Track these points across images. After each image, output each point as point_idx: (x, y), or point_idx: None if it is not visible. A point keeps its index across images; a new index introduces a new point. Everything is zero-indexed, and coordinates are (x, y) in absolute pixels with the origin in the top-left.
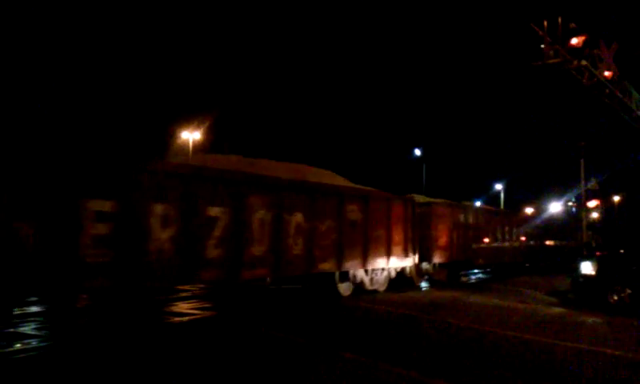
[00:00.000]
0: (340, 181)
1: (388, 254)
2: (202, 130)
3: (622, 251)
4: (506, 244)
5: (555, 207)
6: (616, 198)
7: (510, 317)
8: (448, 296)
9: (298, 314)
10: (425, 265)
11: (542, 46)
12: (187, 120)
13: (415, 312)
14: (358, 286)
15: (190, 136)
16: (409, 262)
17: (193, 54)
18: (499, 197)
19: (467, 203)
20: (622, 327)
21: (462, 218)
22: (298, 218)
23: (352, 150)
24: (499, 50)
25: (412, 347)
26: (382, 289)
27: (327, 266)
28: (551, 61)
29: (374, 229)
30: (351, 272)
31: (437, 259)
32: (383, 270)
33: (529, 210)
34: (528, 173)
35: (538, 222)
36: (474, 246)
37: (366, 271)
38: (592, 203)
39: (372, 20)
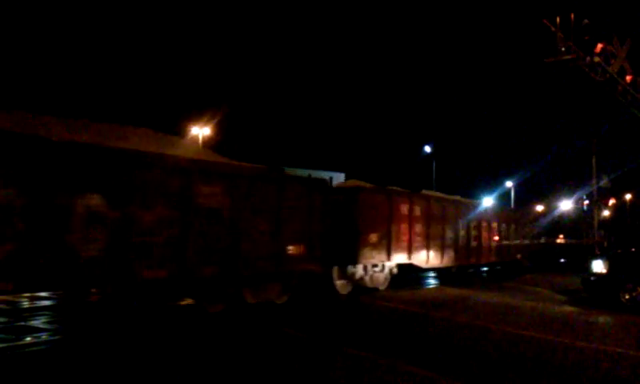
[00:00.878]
0: (213, 157)
1: (280, 256)
2: (212, 125)
3: (633, 250)
4: (504, 242)
5: (566, 205)
6: (628, 196)
7: (518, 315)
8: (454, 294)
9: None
10: (351, 268)
11: (555, 42)
12: (198, 115)
13: (417, 309)
14: (238, 300)
15: (200, 131)
16: (316, 264)
17: (208, 50)
18: (510, 194)
19: (429, 193)
20: (634, 326)
21: (407, 209)
22: (94, 201)
23: (363, 148)
24: (511, 46)
25: (417, 345)
26: (279, 301)
27: (161, 274)
28: (564, 57)
29: (251, 221)
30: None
31: (367, 260)
32: (275, 276)
33: (539, 208)
34: (539, 170)
35: (548, 219)
36: (437, 243)
37: (244, 280)
38: (604, 201)
39: (384, 17)
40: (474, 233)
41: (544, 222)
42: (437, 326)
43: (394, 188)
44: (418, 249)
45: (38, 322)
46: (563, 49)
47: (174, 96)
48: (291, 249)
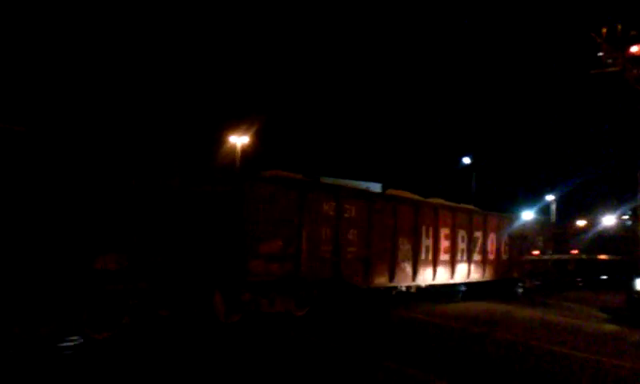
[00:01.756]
0: None
1: (78, 270)
2: (250, 134)
3: None
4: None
5: (609, 220)
6: None
7: (558, 332)
8: (493, 309)
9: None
10: (237, 288)
11: (600, 53)
12: (235, 124)
13: (454, 324)
14: None
15: (238, 140)
16: (148, 283)
17: (244, 57)
18: (550, 208)
19: (393, 192)
20: None
21: (333, 209)
22: None
23: (402, 159)
24: (556, 57)
25: (453, 358)
26: (99, 336)
27: None
28: (610, 69)
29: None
30: None
31: (261, 277)
32: (64, 300)
33: (580, 223)
34: (582, 184)
35: (590, 235)
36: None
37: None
38: None
39: (428, 28)
40: (469, 245)
41: (586, 237)
42: (475, 341)
43: (288, 175)
44: (352, 263)
45: None
46: (609, 61)
47: (213, 104)
48: (102, 261)
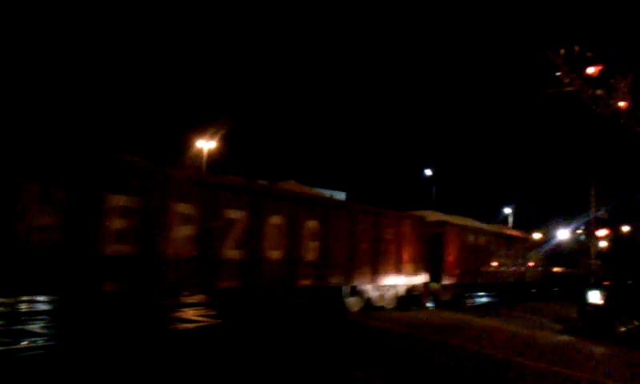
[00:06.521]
0: None
1: None
2: (217, 138)
3: (629, 282)
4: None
5: (563, 234)
6: (625, 228)
7: (513, 341)
8: (450, 318)
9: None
10: None
11: (558, 73)
12: (202, 129)
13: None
14: None
15: (205, 145)
16: None
17: (211, 61)
18: (508, 220)
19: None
20: (627, 359)
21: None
22: None
23: (364, 169)
24: (514, 75)
25: (405, 365)
26: None
27: None
28: (567, 89)
29: None
30: None
31: None
32: None
33: (536, 236)
34: (537, 198)
35: (545, 248)
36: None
37: None
38: (601, 232)
39: (389, 38)
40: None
41: (542, 250)
42: (428, 349)
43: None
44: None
45: (35, 327)
46: (567, 80)
47: (180, 110)
48: None
